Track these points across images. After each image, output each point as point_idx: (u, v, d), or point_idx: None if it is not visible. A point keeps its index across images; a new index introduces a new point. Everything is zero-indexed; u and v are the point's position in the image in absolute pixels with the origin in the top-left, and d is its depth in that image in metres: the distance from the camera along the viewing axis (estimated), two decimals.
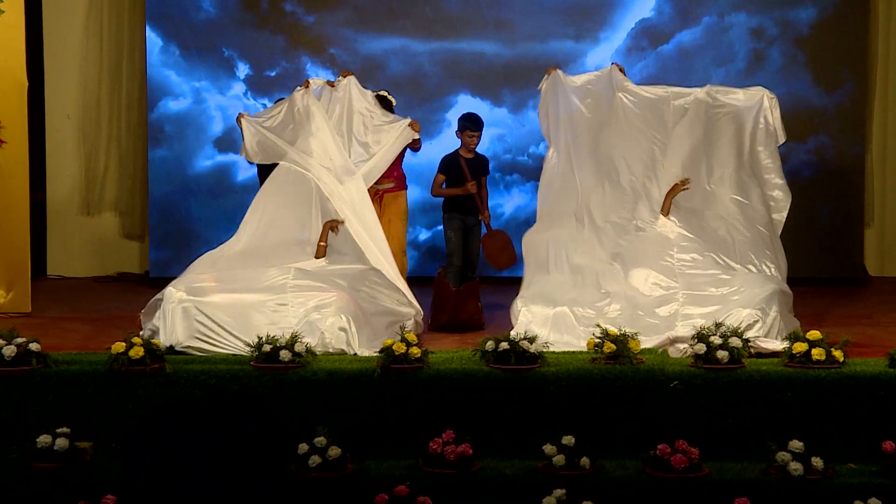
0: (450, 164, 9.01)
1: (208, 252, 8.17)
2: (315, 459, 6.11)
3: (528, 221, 10.04)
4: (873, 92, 11.17)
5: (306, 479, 6.09)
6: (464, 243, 9.01)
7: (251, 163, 8.97)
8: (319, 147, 8.37)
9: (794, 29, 10.96)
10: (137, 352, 6.63)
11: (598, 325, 7.08)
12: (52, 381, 6.67)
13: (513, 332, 6.97)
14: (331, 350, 7.16)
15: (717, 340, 6.67)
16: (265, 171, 8.68)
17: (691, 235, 7.89)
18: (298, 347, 6.75)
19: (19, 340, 6.75)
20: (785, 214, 8.21)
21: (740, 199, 8.14)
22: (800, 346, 6.66)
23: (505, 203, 11.04)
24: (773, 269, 7.82)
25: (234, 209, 10.40)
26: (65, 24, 11.25)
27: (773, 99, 8.21)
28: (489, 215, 9.09)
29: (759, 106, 8.19)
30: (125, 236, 11.51)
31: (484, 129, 9.21)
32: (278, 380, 6.65)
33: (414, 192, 9.47)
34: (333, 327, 7.24)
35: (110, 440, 6.44)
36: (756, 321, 7.23)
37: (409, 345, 6.68)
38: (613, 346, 6.69)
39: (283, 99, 8.84)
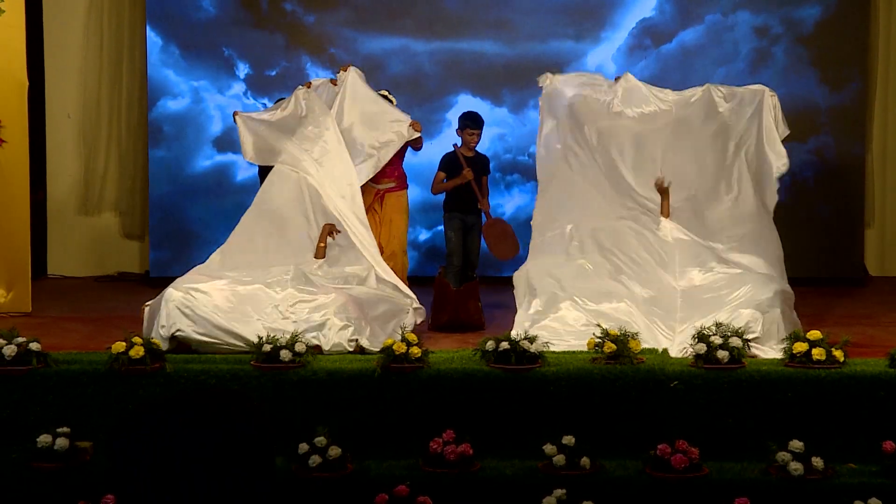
0: (450, 162, 9.01)
1: (209, 258, 8.15)
2: (315, 459, 6.11)
3: (529, 222, 10.04)
4: (873, 92, 11.17)
5: (306, 479, 6.09)
6: (464, 243, 9.01)
7: (248, 161, 8.96)
8: (317, 146, 8.36)
9: (797, 28, 10.95)
10: (138, 351, 6.63)
11: (599, 326, 7.08)
12: (53, 380, 6.67)
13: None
14: (331, 350, 7.15)
15: (717, 340, 6.67)
16: (265, 171, 8.67)
17: (693, 236, 7.89)
18: (298, 347, 6.75)
19: (19, 340, 6.75)
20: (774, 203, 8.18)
21: (741, 198, 8.14)
22: (800, 346, 6.66)
23: (505, 203, 11.04)
24: (773, 270, 7.82)
25: (234, 209, 10.37)
26: (65, 24, 11.25)
27: (774, 96, 8.21)
28: (488, 203, 9.06)
29: (759, 103, 8.18)
30: (125, 236, 11.51)
31: (484, 128, 9.22)
32: (278, 380, 6.65)
33: (414, 192, 9.47)
34: (334, 327, 7.23)
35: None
36: (757, 323, 7.22)
37: (409, 345, 6.68)
38: (613, 346, 6.69)
39: (283, 99, 8.84)
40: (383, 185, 8.83)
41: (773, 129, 8.16)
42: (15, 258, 9.01)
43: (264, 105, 10.61)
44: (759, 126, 8.17)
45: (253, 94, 11.09)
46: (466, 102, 10.86)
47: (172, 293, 7.32)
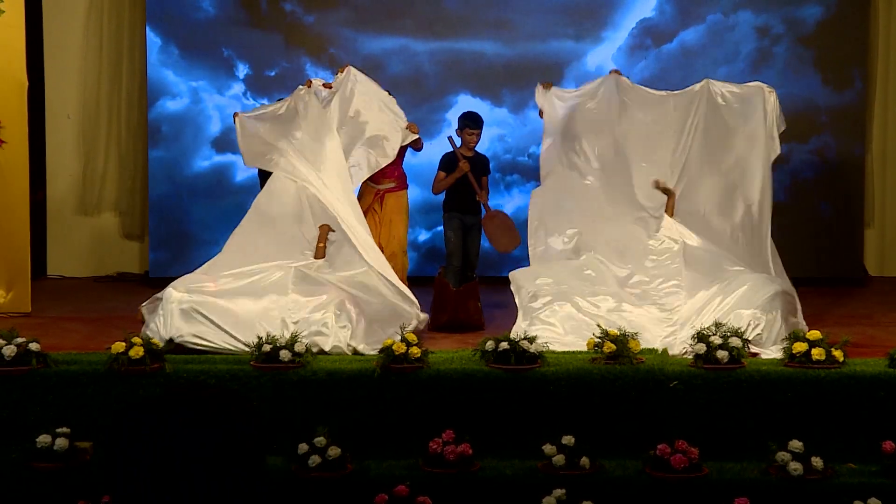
0: (450, 161, 9.00)
1: (209, 261, 8.14)
2: (315, 459, 6.11)
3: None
4: (873, 92, 11.17)
5: (306, 479, 6.09)
6: (463, 243, 9.01)
7: (245, 164, 8.95)
8: (315, 148, 8.35)
9: (798, 28, 10.94)
10: (137, 352, 6.63)
11: (599, 326, 7.09)
12: (52, 381, 6.67)
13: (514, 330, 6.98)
14: (330, 350, 7.15)
15: (717, 340, 6.67)
16: (265, 172, 8.66)
17: (695, 237, 7.89)
18: (298, 347, 6.75)
19: (19, 340, 6.75)
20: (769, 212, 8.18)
21: (742, 198, 8.14)
22: (800, 346, 6.66)
23: (505, 203, 11.03)
24: (773, 270, 7.82)
25: (233, 210, 10.37)
26: (65, 24, 11.25)
27: (772, 93, 8.20)
28: (487, 194, 9.03)
29: (759, 101, 8.18)
30: (125, 236, 11.51)
31: (484, 129, 9.22)
32: (278, 380, 6.65)
33: (414, 193, 9.46)
34: (334, 327, 7.23)
35: None
36: (758, 323, 7.22)
37: (409, 345, 6.68)
38: (613, 346, 6.69)
39: (283, 99, 8.83)
40: (383, 185, 8.83)
41: (773, 126, 8.16)
42: (15, 258, 9.00)
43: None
44: (757, 124, 8.17)
45: (252, 94, 11.08)
46: (466, 102, 10.86)
47: (172, 293, 7.32)
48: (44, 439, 6.23)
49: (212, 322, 7.21)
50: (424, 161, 9.87)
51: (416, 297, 8.15)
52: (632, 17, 11.01)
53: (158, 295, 7.48)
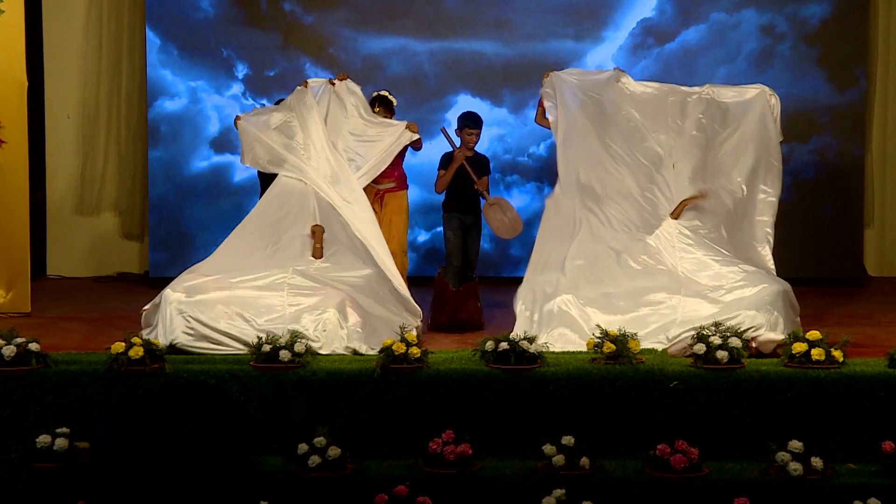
0: (450, 160, 8.99)
1: (208, 257, 8.14)
2: (315, 459, 6.11)
3: (529, 223, 10.03)
4: (873, 92, 11.17)
5: (306, 480, 6.10)
6: (463, 243, 9.00)
7: (246, 166, 8.95)
8: (315, 150, 8.36)
9: (801, 28, 10.93)
10: (137, 352, 6.63)
11: (598, 326, 7.08)
12: (52, 381, 6.67)
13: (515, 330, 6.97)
14: (330, 350, 7.15)
15: (716, 340, 6.67)
16: (265, 173, 8.67)
17: (697, 238, 7.89)
18: (298, 347, 6.75)
19: (19, 340, 6.75)
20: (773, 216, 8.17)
21: (744, 198, 8.14)
22: (799, 346, 6.66)
23: None
24: (772, 270, 7.83)
25: (232, 211, 10.39)
26: (65, 24, 11.25)
27: (774, 96, 8.20)
28: (486, 183, 9.02)
29: (761, 105, 8.17)
30: (125, 236, 11.51)
31: (484, 129, 9.22)
32: (278, 380, 6.65)
33: (414, 193, 9.46)
34: (333, 327, 7.23)
35: None
36: (761, 323, 7.21)
37: (408, 345, 6.68)
38: (613, 346, 6.69)
39: (283, 100, 8.84)
40: (383, 185, 8.83)
41: (774, 130, 8.16)
42: (14, 258, 9.00)
43: (263, 106, 10.57)
44: (758, 128, 8.17)
45: (252, 94, 11.08)
46: (466, 102, 10.86)
47: (170, 294, 7.32)
48: (44, 439, 6.23)
49: (210, 322, 7.20)
50: (424, 161, 9.87)
51: (416, 298, 8.15)
52: (632, 17, 11.01)
53: (155, 302, 7.48)
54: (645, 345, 7.03)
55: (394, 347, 6.65)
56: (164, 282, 7.95)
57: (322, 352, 7.05)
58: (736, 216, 8.14)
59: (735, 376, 6.59)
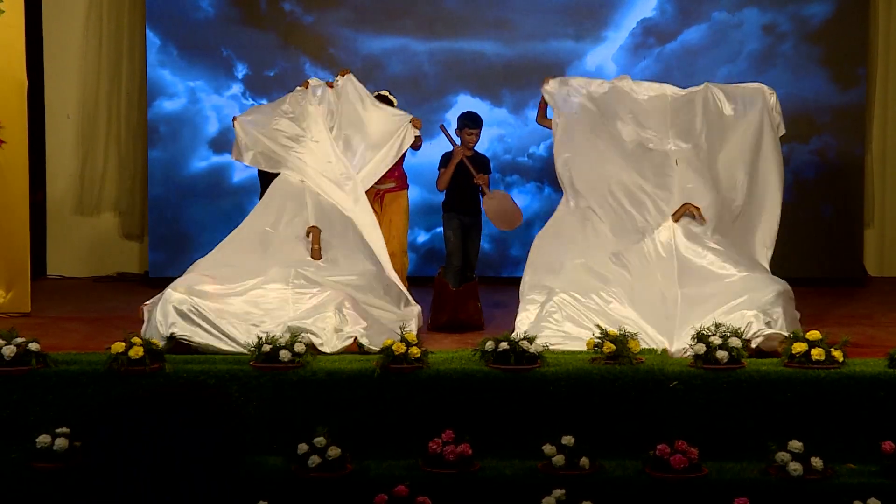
0: (450, 158, 8.98)
1: (208, 254, 8.14)
2: (315, 459, 6.11)
3: (529, 223, 10.04)
4: (873, 92, 11.17)
5: (306, 480, 6.10)
6: (463, 243, 9.00)
7: (246, 164, 8.95)
8: (316, 150, 8.36)
9: (802, 28, 10.92)
10: (137, 352, 6.63)
11: (598, 326, 7.08)
12: (52, 381, 6.67)
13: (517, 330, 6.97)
14: (330, 350, 7.15)
15: (716, 340, 6.67)
16: (265, 173, 8.67)
17: (697, 239, 7.88)
18: (298, 347, 6.75)
19: (19, 340, 6.75)
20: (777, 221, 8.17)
21: (744, 198, 8.14)
22: (799, 347, 6.66)
23: None
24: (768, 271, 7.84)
25: (231, 211, 10.40)
26: (65, 24, 11.25)
27: (773, 95, 8.20)
28: (485, 178, 9.01)
29: (761, 103, 8.17)
30: (125, 236, 11.51)
31: (484, 129, 9.22)
32: (278, 380, 6.65)
33: (414, 193, 9.46)
34: (332, 327, 7.23)
35: None
36: (761, 323, 7.20)
37: (408, 345, 6.68)
38: (613, 346, 6.69)
39: (281, 98, 8.83)
40: (383, 185, 8.83)
41: (774, 129, 8.16)
42: (14, 258, 9.01)
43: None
44: (758, 127, 8.16)
45: (251, 94, 11.08)
46: (466, 102, 10.86)
47: (172, 294, 7.32)
48: (43, 439, 6.23)
49: (211, 323, 7.21)
50: (424, 161, 9.87)
51: (416, 298, 8.15)
52: (632, 17, 11.00)
53: (158, 296, 7.48)
54: (644, 344, 7.05)
55: (394, 347, 6.65)
56: (164, 282, 7.95)
57: (323, 350, 7.05)
58: (737, 217, 8.15)
59: (735, 376, 6.59)
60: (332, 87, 8.63)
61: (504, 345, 6.65)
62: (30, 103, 9.20)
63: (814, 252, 10.80)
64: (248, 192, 10.45)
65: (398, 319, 7.73)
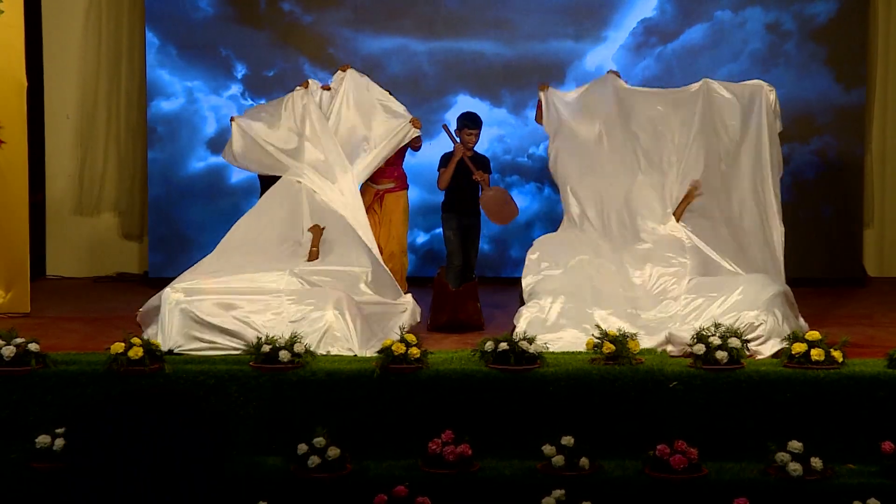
0: (451, 157, 8.97)
1: (206, 256, 8.13)
2: (314, 460, 6.11)
3: (528, 223, 10.05)
4: (873, 92, 11.17)
5: (305, 480, 6.10)
6: (463, 243, 9.00)
7: (236, 166, 8.96)
8: (314, 150, 8.35)
9: (803, 28, 10.90)
10: (136, 352, 6.63)
11: (598, 326, 7.08)
12: (52, 381, 6.67)
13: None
14: (329, 350, 7.15)
15: (716, 341, 6.67)
16: (265, 174, 8.67)
17: (698, 239, 7.89)
18: (297, 348, 6.75)
19: (18, 341, 6.74)
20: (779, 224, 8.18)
21: (745, 198, 8.14)
22: (799, 347, 6.66)
23: None
24: (772, 270, 7.83)
25: (229, 211, 10.37)
26: (64, 24, 11.24)
27: (773, 92, 8.20)
28: (485, 175, 9.01)
29: (760, 101, 8.17)
30: (124, 236, 11.50)
31: (484, 129, 9.21)
32: (277, 380, 6.65)
33: (413, 194, 9.45)
34: (331, 328, 7.23)
35: None
36: (760, 324, 7.21)
37: (408, 345, 6.68)
38: (612, 347, 6.69)
39: (278, 99, 8.82)
40: (383, 185, 8.83)
41: (773, 127, 8.16)
42: (14, 259, 9.00)
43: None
44: (758, 124, 8.16)
45: (251, 94, 11.07)
46: (465, 103, 10.85)
47: (170, 295, 7.31)
48: (43, 439, 6.24)
49: (209, 323, 7.20)
50: (424, 161, 9.86)
51: (416, 298, 8.14)
52: (632, 17, 10.99)
53: (154, 299, 7.47)
54: (644, 344, 7.04)
55: (393, 348, 6.64)
56: (164, 282, 7.95)
57: (320, 352, 7.05)
58: (736, 216, 8.15)
59: (735, 377, 6.59)
60: (327, 89, 8.65)
61: (504, 345, 6.65)
62: (29, 103, 9.19)
63: (814, 252, 10.80)
64: (247, 192, 10.44)
65: (393, 311, 7.74)
